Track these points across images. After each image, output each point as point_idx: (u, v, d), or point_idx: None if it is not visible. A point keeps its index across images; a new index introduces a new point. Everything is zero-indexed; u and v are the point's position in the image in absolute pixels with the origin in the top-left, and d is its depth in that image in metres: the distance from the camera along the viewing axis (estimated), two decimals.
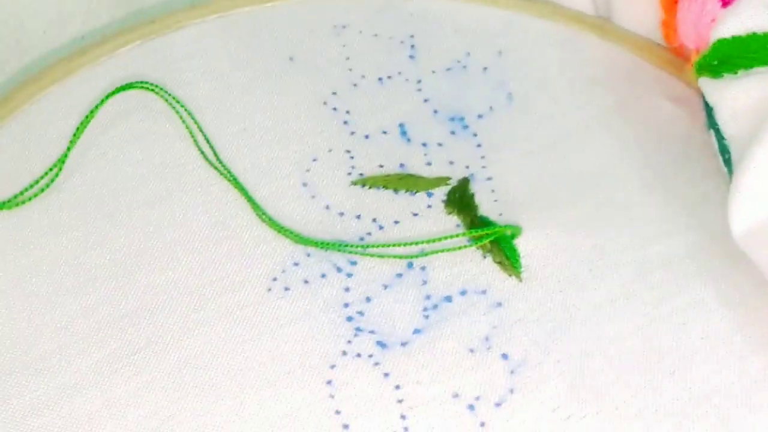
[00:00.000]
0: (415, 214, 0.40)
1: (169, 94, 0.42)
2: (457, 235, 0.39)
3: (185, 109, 0.42)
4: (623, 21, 0.46)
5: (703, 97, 0.41)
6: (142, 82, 0.42)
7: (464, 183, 0.41)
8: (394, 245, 0.38)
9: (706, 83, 0.40)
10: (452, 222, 0.40)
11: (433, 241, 0.39)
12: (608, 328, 0.38)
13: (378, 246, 0.38)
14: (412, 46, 0.45)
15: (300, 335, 0.37)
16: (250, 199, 0.39)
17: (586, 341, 0.37)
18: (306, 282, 0.39)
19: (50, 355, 0.37)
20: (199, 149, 0.41)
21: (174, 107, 0.42)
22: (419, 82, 0.44)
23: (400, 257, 0.38)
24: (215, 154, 0.41)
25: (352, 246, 0.38)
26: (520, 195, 0.41)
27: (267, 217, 0.39)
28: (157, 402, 0.36)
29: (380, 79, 0.44)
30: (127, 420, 0.35)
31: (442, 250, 0.39)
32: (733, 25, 0.40)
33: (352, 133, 0.42)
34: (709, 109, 0.40)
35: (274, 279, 0.39)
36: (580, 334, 0.37)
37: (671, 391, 0.36)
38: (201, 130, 0.41)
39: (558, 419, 0.36)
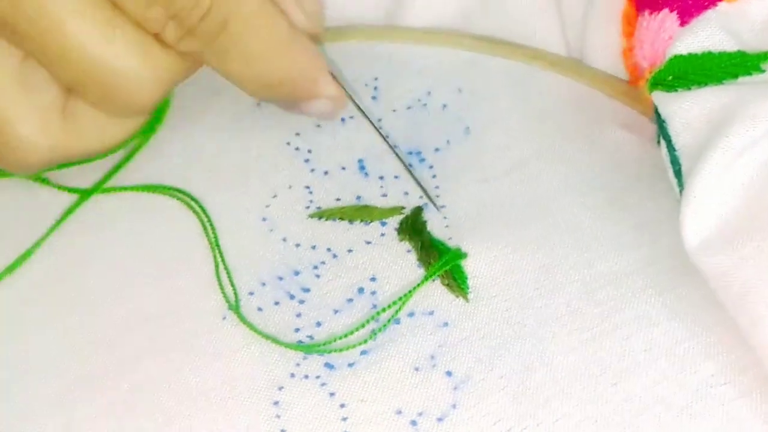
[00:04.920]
0: (368, 242, 0.41)
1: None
2: (416, 287, 0.40)
3: None
4: (595, 60, 0.47)
5: (656, 110, 0.41)
6: None
7: (417, 211, 0.42)
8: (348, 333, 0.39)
9: (660, 96, 0.41)
10: (403, 247, 0.41)
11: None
12: (552, 344, 0.38)
13: (333, 340, 0.39)
14: (375, 88, 0.47)
15: (251, 360, 0.38)
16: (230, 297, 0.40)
17: (529, 356, 0.38)
18: (260, 309, 0.40)
19: (10, 382, 0.38)
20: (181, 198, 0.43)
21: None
22: (380, 120, 0.45)
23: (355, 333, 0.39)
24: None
25: (318, 345, 0.39)
26: (470, 220, 0.42)
27: (240, 315, 0.40)
28: (112, 426, 0.37)
29: (343, 119, 0.46)
30: None
31: (407, 297, 0.39)
32: (689, 43, 0.41)
33: (312, 170, 0.44)
34: (661, 122, 0.41)
35: (229, 308, 0.40)
36: (524, 349, 0.38)
37: (612, 402, 0.37)
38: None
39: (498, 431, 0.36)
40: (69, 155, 0.41)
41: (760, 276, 0.36)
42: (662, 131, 0.41)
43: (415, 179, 0.42)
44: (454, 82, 0.47)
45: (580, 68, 0.47)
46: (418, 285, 0.40)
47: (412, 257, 0.41)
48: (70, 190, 0.43)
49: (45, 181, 0.44)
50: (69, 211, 0.43)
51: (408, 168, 0.42)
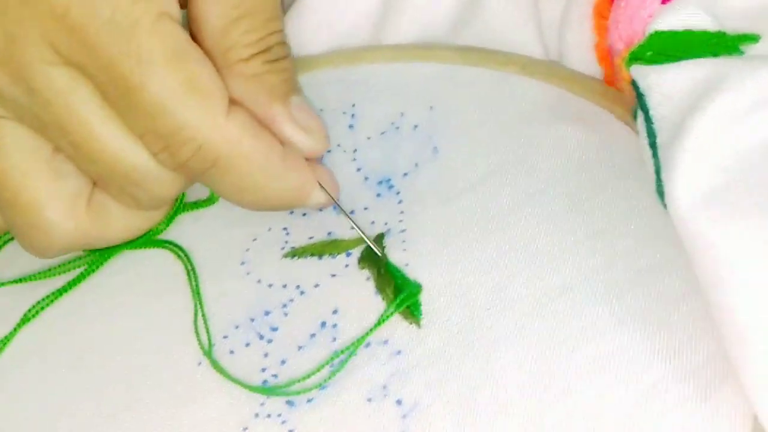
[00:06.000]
0: (333, 275, 0.42)
1: None
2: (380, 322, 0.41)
3: None
4: (571, 61, 0.47)
5: (634, 83, 0.41)
6: None
7: (378, 238, 0.43)
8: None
9: (639, 69, 0.41)
10: (364, 276, 0.42)
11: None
12: (500, 363, 0.38)
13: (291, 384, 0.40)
14: (353, 116, 0.48)
15: (221, 401, 0.40)
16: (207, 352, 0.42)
17: (477, 378, 0.38)
18: (232, 352, 0.42)
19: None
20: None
21: None
22: (355, 151, 0.46)
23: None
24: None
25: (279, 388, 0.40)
26: (428, 243, 0.42)
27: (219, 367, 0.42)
28: None
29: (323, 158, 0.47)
30: None
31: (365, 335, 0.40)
32: (670, 20, 0.41)
33: (291, 212, 0.45)
34: (639, 95, 0.41)
35: (204, 354, 0.42)
36: (472, 371, 0.38)
37: (556, 416, 0.37)
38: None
39: None
40: (92, 242, 0.44)
41: (745, 255, 0.35)
42: (641, 104, 0.40)
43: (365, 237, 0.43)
44: (427, 98, 0.47)
45: (553, 70, 0.47)
46: (375, 326, 0.40)
47: (372, 285, 0.42)
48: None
49: None
50: (85, 274, 0.45)
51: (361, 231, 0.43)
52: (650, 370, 0.37)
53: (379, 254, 0.42)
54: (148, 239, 0.45)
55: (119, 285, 0.45)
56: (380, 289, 0.41)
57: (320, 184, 0.43)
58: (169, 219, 0.46)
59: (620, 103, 0.45)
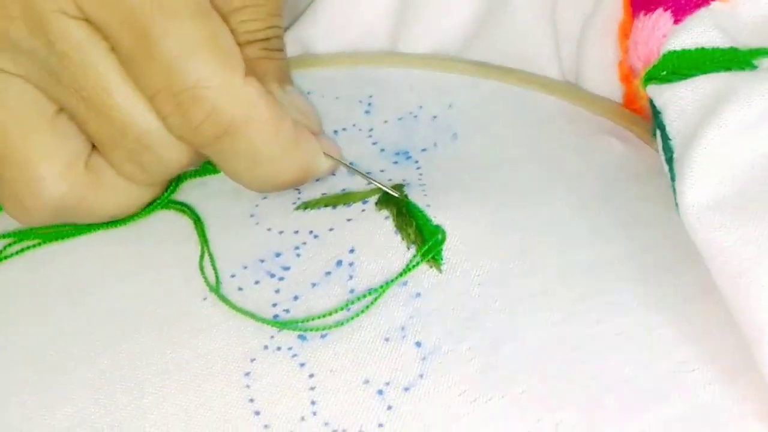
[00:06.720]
0: (349, 220, 0.42)
1: None
2: (401, 273, 0.40)
3: None
4: (591, 77, 0.48)
5: (651, 103, 0.42)
6: None
7: (397, 186, 0.43)
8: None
9: (654, 88, 0.42)
10: (382, 216, 0.41)
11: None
12: (523, 320, 0.38)
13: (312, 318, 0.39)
14: (370, 104, 0.48)
15: (226, 335, 0.39)
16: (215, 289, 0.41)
17: (499, 330, 0.38)
18: (240, 289, 0.40)
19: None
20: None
21: None
22: (371, 130, 0.47)
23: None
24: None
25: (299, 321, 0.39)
26: (451, 199, 0.42)
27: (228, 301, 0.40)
28: (88, 400, 0.38)
29: (335, 131, 0.47)
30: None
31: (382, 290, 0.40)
32: (683, 39, 0.42)
33: None
34: (656, 113, 0.42)
35: (210, 290, 0.40)
36: (494, 323, 0.38)
37: (579, 380, 0.36)
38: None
39: (464, 402, 0.36)
40: (80, 213, 0.42)
41: (758, 258, 0.36)
42: (657, 122, 0.42)
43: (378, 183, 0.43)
44: (446, 99, 0.48)
45: (573, 90, 0.48)
46: (401, 274, 0.40)
47: (390, 225, 0.41)
48: None
49: None
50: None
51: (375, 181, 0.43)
52: (677, 349, 0.37)
53: (398, 196, 0.41)
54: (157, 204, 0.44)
55: (118, 234, 0.43)
56: (400, 227, 0.41)
57: (325, 153, 0.43)
58: (174, 186, 0.44)
59: (639, 125, 0.46)
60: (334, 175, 0.44)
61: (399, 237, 0.41)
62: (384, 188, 0.42)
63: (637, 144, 0.45)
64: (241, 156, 0.41)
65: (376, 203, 0.42)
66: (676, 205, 0.39)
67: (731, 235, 0.37)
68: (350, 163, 0.45)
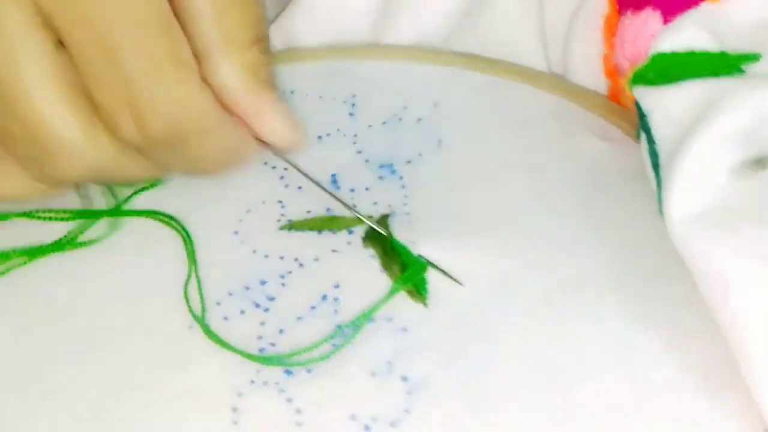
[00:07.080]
0: (335, 251, 0.42)
1: None
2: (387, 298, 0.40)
3: None
4: (576, 70, 0.47)
5: (637, 105, 0.41)
6: None
7: (382, 219, 0.42)
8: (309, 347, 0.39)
9: (642, 90, 0.41)
10: (368, 254, 0.41)
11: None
12: (508, 348, 0.38)
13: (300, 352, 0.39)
14: (353, 105, 0.47)
15: (213, 368, 0.39)
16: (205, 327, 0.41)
17: (485, 361, 0.38)
18: (225, 319, 0.40)
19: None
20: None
21: None
22: (355, 136, 0.46)
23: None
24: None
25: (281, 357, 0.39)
26: (434, 225, 0.42)
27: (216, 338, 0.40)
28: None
29: (320, 137, 0.46)
30: None
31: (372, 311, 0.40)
32: (673, 41, 0.41)
33: (287, 186, 0.44)
34: (642, 116, 0.41)
35: (194, 319, 0.40)
36: (480, 354, 0.38)
37: (565, 407, 0.37)
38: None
39: None
40: None
41: (745, 269, 0.36)
42: (643, 125, 0.41)
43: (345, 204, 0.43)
44: (431, 96, 0.47)
45: (560, 83, 0.47)
46: (384, 300, 0.40)
47: (376, 263, 0.41)
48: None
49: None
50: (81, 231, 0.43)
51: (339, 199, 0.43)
52: (662, 367, 0.37)
53: (384, 233, 0.41)
54: (141, 212, 0.44)
55: (102, 248, 0.43)
56: (386, 267, 0.41)
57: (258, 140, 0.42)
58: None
59: (626, 119, 0.45)
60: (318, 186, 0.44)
61: (385, 275, 0.41)
62: (372, 226, 0.42)
63: (623, 141, 0.45)
64: (181, 158, 0.40)
65: (363, 239, 0.42)
66: (660, 210, 0.39)
67: (718, 247, 0.37)
68: (333, 175, 0.45)
